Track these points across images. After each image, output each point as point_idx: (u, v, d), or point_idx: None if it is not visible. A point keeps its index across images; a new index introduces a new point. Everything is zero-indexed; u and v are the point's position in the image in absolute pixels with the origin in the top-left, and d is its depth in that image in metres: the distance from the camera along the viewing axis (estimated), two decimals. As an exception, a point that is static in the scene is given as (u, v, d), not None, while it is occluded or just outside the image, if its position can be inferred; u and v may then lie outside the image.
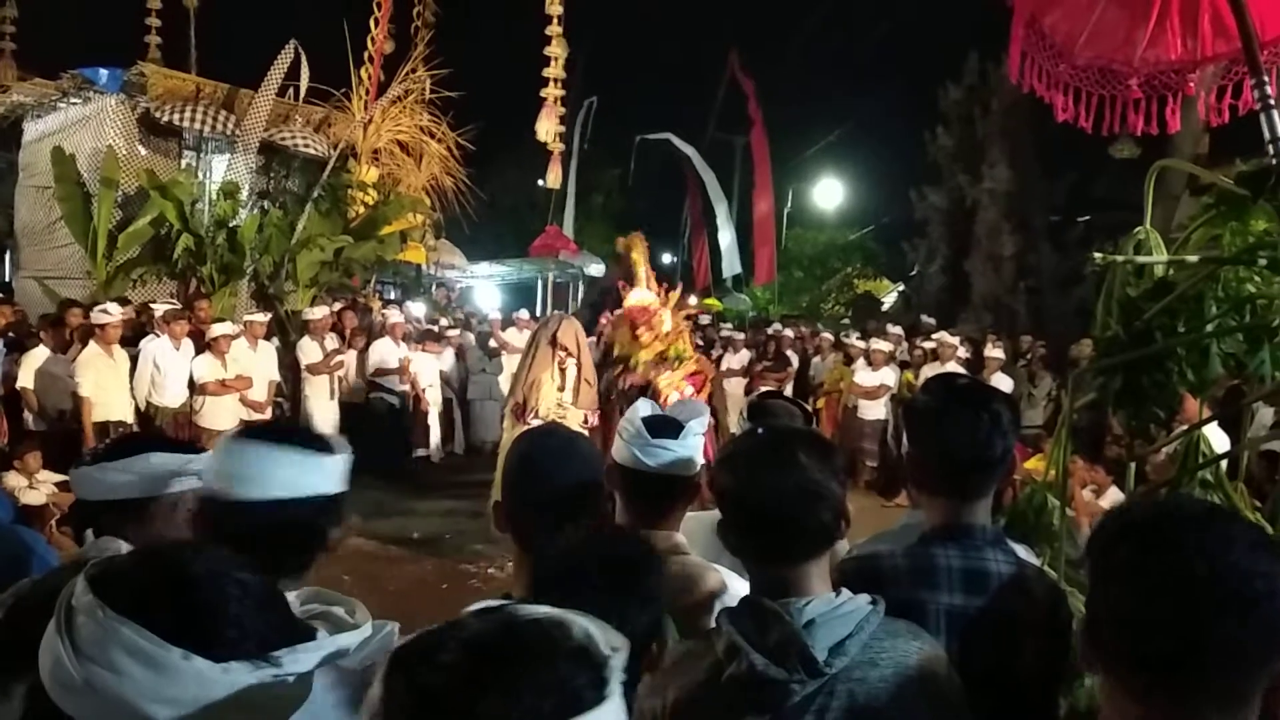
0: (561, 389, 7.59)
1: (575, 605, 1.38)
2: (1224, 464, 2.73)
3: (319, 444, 1.63)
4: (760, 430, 1.78)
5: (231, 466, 1.56)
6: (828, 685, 1.47)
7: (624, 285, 8.69)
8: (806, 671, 1.46)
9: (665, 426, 2.18)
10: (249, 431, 1.66)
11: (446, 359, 12.45)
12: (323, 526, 1.60)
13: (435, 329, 13.10)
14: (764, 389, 6.08)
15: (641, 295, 8.25)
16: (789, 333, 14.86)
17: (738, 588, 1.95)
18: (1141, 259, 2.44)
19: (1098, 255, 2.47)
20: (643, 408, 2.30)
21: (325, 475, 1.59)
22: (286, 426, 1.96)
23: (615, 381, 7.86)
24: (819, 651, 1.46)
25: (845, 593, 1.57)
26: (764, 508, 1.57)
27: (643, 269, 8.54)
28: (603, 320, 14.35)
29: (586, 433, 7.44)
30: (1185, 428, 2.77)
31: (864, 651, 1.50)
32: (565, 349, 7.51)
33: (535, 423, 7.31)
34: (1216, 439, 3.50)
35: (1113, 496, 6.64)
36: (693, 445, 2.18)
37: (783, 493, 1.55)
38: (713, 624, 1.61)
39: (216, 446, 1.64)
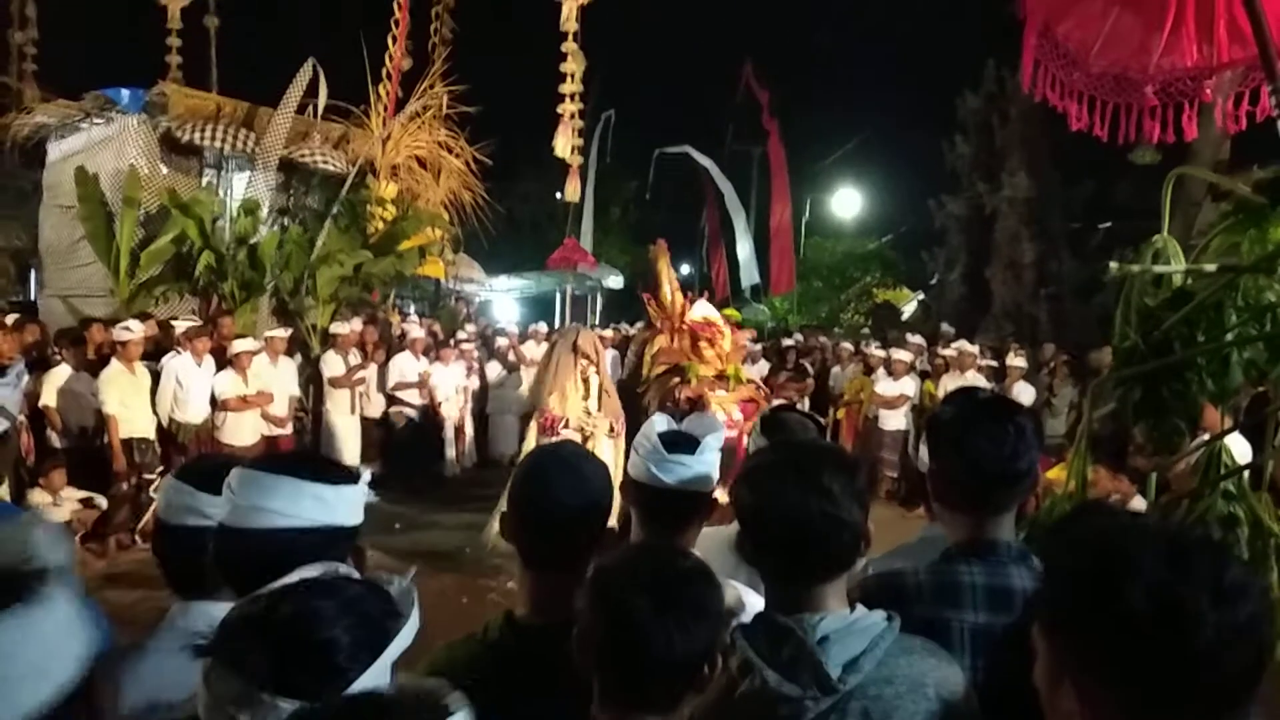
0: (585, 398, 7.59)
1: (626, 621, 1.38)
2: (1247, 473, 2.70)
3: (328, 474, 1.59)
4: (785, 445, 1.77)
5: (234, 495, 1.54)
6: (841, 702, 1.46)
7: (648, 296, 8.70)
8: (820, 688, 1.45)
9: (681, 442, 2.16)
10: (256, 461, 1.63)
11: (458, 371, 12.39)
12: (323, 559, 1.51)
13: (449, 339, 13.12)
14: (778, 402, 6.07)
15: (706, 310, 8.25)
16: (790, 341, 14.89)
17: (754, 603, 1.94)
18: (1159, 268, 2.42)
19: (1114, 265, 2.46)
20: (659, 423, 2.28)
21: (326, 505, 1.55)
22: (302, 455, 1.89)
23: (671, 391, 7.81)
24: (833, 668, 1.45)
25: (860, 609, 1.56)
26: (785, 529, 1.56)
27: (666, 279, 8.56)
28: (632, 330, 14.39)
29: (616, 439, 7.45)
30: (1207, 437, 2.75)
31: (879, 668, 1.49)
32: (587, 357, 7.51)
33: (566, 433, 7.31)
34: (1239, 448, 3.46)
35: (1137, 507, 6.57)
36: (709, 461, 2.16)
37: (805, 516, 1.53)
38: (727, 640, 1.60)
39: (228, 478, 1.60)
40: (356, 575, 1.21)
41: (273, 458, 1.67)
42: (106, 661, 1.71)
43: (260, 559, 1.43)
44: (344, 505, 1.58)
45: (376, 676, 0.96)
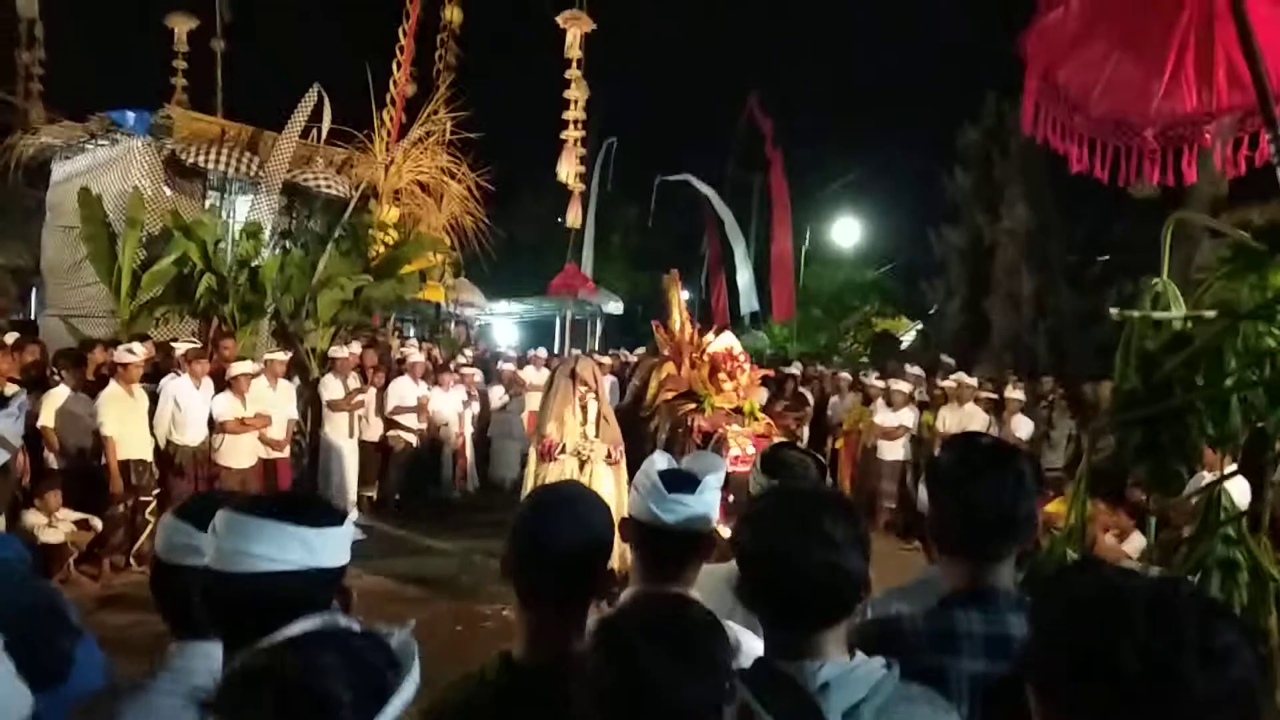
0: (584, 424, 7.60)
1: (631, 670, 1.37)
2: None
3: (314, 516, 1.56)
4: (787, 491, 1.77)
5: (218, 538, 1.52)
6: (841, 750, 1.46)
7: (657, 325, 8.77)
8: (820, 736, 1.44)
9: (682, 481, 2.15)
10: (241, 503, 1.59)
11: (457, 396, 12.40)
12: (308, 602, 1.44)
13: (449, 364, 13.14)
14: (779, 439, 6.05)
15: (729, 341, 8.26)
16: (792, 370, 14.86)
17: (752, 646, 1.93)
18: (1159, 315, 2.43)
19: (1114, 311, 2.46)
20: (659, 461, 2.28)
21: (311, 549, 1.52)
22: (289, 496, 1.84)
23: (684, 419, 7.81)
24: (833, 715, 1.45)
25: (860, 656, 1.56)
26: (786, 576, 1.56)
27: (677, 309, 8.61)
28: (632, 356, 14.41)
29: (615, 467, 7.44)
30: (1207, 477, 2.75)
31: (878, 716, 1.48)
32: (585, 384, 7.53)
33: (562, 458, 7.30)
34: (1240, 490, 3.45)
35: (1136, 542, 6.55)
36: (709, 501, 2.15)
37: (806, 566, 1.53)
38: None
39: (213, 520, 1.57)
40: (357, 627, 1.21)
41: (259, 498, 1.64)
42: (103, 698, 1.70)
43: (245, 603, 1.44)
44: (329, 548, 1.56)
45: None
